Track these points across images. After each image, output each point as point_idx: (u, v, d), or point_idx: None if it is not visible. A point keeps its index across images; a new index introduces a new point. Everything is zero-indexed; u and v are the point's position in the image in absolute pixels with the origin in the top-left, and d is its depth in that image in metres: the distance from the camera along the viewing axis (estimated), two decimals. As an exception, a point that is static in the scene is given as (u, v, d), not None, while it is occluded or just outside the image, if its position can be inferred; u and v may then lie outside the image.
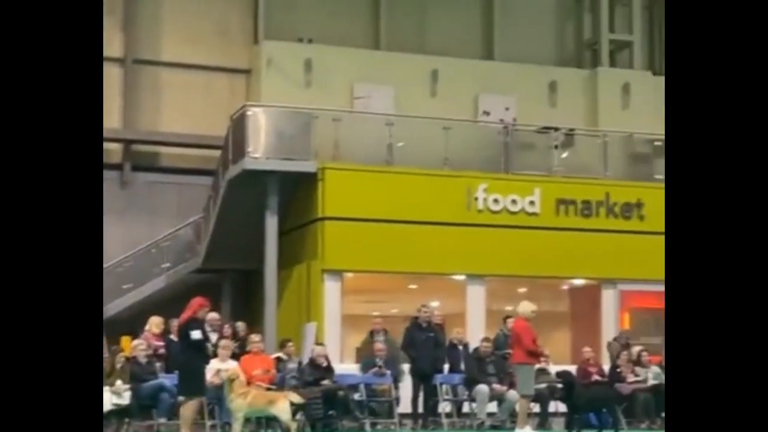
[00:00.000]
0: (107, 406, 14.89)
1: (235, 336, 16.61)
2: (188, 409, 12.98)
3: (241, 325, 17.45)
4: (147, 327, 16.45)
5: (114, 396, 14.88)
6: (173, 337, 15.39)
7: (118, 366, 15.26)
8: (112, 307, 21.84)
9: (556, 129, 21.44)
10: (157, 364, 15.76)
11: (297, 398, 14.00)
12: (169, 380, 14.64)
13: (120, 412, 15.12)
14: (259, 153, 19.34)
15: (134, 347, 15.86)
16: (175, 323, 14.74)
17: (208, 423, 15.16)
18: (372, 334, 17.62)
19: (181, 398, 13.31)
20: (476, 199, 19.83)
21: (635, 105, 26.53)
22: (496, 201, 19.90)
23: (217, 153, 21.83)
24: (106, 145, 24.05)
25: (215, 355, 14.87)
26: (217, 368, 14.55)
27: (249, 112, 19.55)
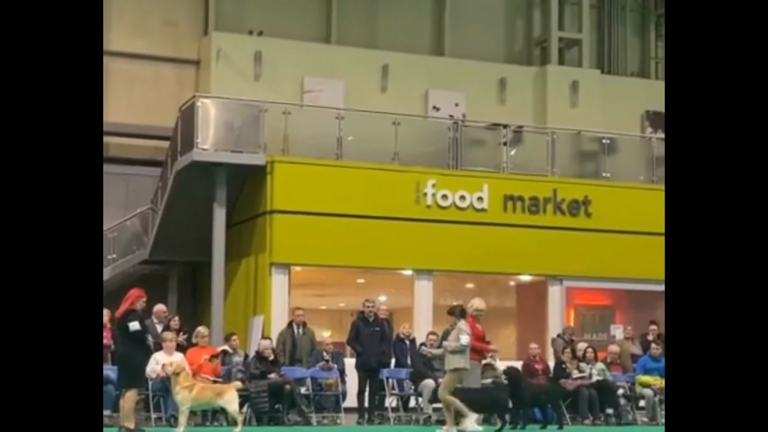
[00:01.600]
0: (50, 398, 14.74)
1: (181, 329, 16.51)
2: (128, 400, 12.90)
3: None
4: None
5: (57, 388, 14.71)
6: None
7: (62, 358, 15.08)
8: (56, 299, 21.60)
9: (505, 126, 21.57)
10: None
11: (239, 384, 14.03)
12: (113, 372, 14.51)
13: (63, 404, 14.96)
14: (207, 145, 19.24)
15: (79, 339, 15.69)
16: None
17: (153, 416, 15.07)
18: (290, 325, 17.50)
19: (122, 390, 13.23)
20: (425, 194, 19.89)
21: (583, 103, 26.79)
22: (444, 196, 19.99)
23: (166, 144, 21.66)
24: (52, 135, 23.83)
25: (158, 348, 14.78)
26: (162, 361, 14.47)
27: (198, 104, 19.42)
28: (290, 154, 19.66)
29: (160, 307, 16.57)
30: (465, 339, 13.06)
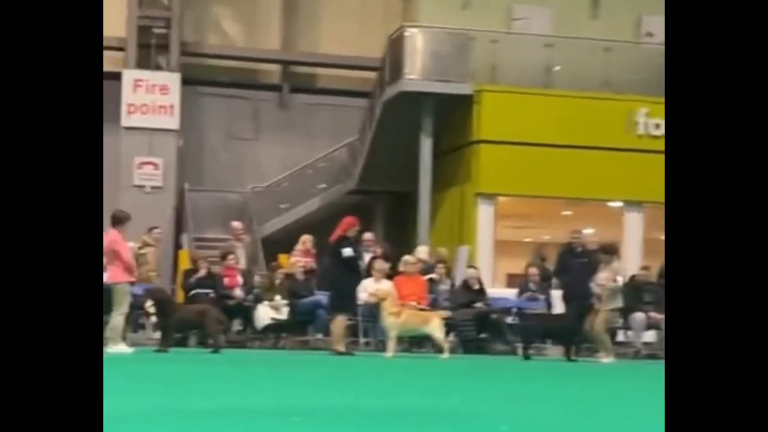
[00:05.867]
0: (265, 320, 15.33)
1: (388, 257, 16.74)
2: (338, 325, 13.25)
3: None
4: (298, 245, 16.72)
5: (272, 311, 15.28)
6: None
7: (277, 282, 15.63)
8: (269, 226, 22.35)
9: (723, 52, 20.53)
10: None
11: (446, 313, 14.13)
12: (325, 297, 14.92)
13: (277, 326, 15.53)
14: (415, 75, 19.27)
15: (292, 264, 16.20)
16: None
17: (362, 341, 15.42)
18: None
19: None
20: (636, 123, 19.29)
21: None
22: (657, 125, 19.31)
23: (373, 75, 21.84)
24: (266, 67, 24.43)
25: (368, 274, 15.07)
26: (370, 288, 14.79)
27: (406, 33, 19.45)
28: (498, 83, 19.44)
29: (367, 236, 16.86)
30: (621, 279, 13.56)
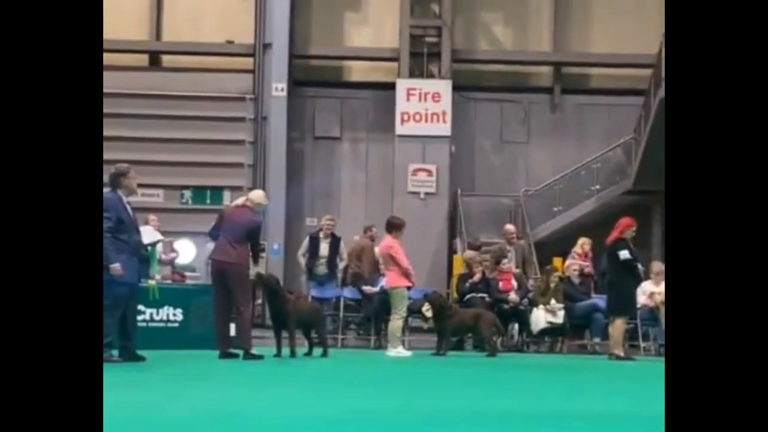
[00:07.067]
0: (541, 324, 15.20)
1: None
2: (617, 328, 12.96)
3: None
4: (575, 248, 16.46)
5: (548, 314, 15.14)
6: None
7: (552, 285, 15.48)
8: (542, 229, 22.17)
9: None
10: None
11: None
12: (602, 301, 14.61)
13: (554, 330, 15.36)
14: (691, 69, 18.51)
15: (567, 267, 15.99)
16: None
17: (642, 345, 15.01)
18: None
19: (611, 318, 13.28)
20: None
21: None
22: None
23: (648, 72, 21.20)
24: (537, 69, 24.29)
25: (647, 277, 14.68)
26: (650, 291, 14.39)
27: (682, 27, 18.72)
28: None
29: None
30: None
